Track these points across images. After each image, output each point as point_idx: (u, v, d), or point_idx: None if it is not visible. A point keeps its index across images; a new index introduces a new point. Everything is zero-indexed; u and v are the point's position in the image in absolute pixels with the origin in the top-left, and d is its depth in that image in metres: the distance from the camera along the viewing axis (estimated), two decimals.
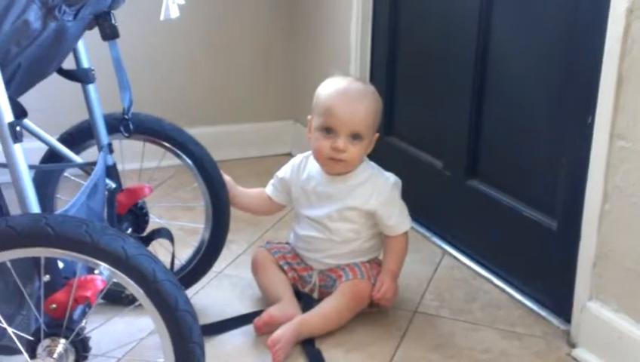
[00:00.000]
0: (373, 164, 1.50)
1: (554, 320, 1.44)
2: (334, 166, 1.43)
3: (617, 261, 1.24)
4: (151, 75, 2.15)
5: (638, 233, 1.20)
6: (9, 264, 0.96)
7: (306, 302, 1.44)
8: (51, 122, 1.38)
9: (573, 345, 1.35)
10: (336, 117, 1.39)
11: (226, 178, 1.46)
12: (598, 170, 1.25)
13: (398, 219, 1.45)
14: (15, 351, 0.99)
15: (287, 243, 1.54)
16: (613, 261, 1.25)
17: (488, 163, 1.65)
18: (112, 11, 1.17)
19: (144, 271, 0.95)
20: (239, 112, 2.36)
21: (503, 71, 1.58)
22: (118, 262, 0.95)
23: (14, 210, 1.06)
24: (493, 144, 1.63)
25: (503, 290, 1.56)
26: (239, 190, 1.51)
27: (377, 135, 1.47)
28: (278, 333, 1.29)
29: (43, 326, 0.97)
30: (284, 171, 1.51)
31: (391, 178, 1.48)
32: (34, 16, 0.96)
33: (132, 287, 0.96)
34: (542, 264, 1.49)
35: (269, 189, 1.53)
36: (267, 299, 1.46)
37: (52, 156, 1.32)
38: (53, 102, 1.68)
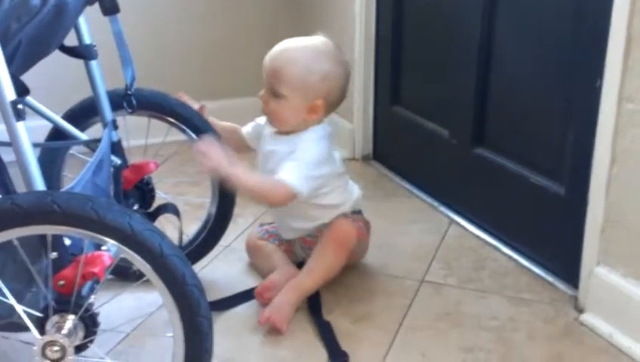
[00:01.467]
0: (322, 130, 1.41)
1: (561, 286, 1.43)
2: (268, 120, 1.42)
3: (625, 225, 1.23)
4: (151, 50, 2.13)
5: None
6: (16, 242, 0.95)
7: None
8: (55, 100, 1.38)
9: (581, 311, 1.34)
10: (263, 68, 1.39)
11: (196, 107, 1.42)
12: (606, 133, 1.23)
13: (288, 164, 1.33)
14: (24, 328, 0.99)
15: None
16: (622, 225, 1.24)
17: (494, 130, 1.63)
18: None
19: (151, 246, 0.95)
20: (240, 86, 2.34)
21: (509, 37, 1.55)
22: (125, 237, 0.94)
23: (20, 189, 1.06)
24: (499, 111, 1.61)
25: (511, 258, 1.56)
26: (211, 119, 1.47)
27: (319, 103, 1.37)
28: (267, 308, 1.29)
29: (52, 303, 0.97)
30: (263, 119, 1.49)
31: (319, 144, 1.38)
32: None
33: (139, 263, 0.96)
34: (549, 230, 1.48)
35: (245, 129, 1.52)
36: (266, 275, 1.44)
37: (57, 134, 1.32)
38: (57, 80, 1.67)
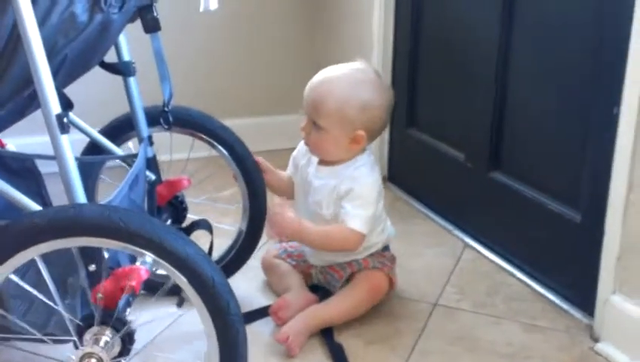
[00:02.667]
0: (367, 160, 1.40)
1: (577, 313, 1.42)
2: (310, 150, 1.42)
3: None
4: (175, 68, 2.16)
5: None
6: (75, 251, 0.96)
7: (323, 295, 1.42)
8: (90, 114, 1.40)
9: (596, 339, 1.33)
10: (304, 99, 1.39)
11: (259, 159, 1.45)
12: (623, 160, 1.22)
13: (353, 209, 1.33)
14: (59, 340, 1.01)
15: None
16: (638, 253, 1.23)
17: (511, 155, 1.63)
18: (155, 4, 1.18)
19: (203, 273, 0.97)
20: (263, 105, 2.37)
21: (525, 61, 1.56)
22: (181, 262, 0.96)
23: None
24: (516, 136, 1.61)
25: (526, 283, 1.55)
26: (271, 169, 1.48)
27: (361, 133, 1.34)
28: (286, 327, 1.30)
29: (96, 315, 0.98)
30: (296, 150, 1.50)
31: (372, 176, 1.38)
32: (81, 8, 0.96)
33: (185, 286, 0.98)
34: (565, 257, 1.47)
35: (288, 171, 1.51)
36: (280, 294, 1.45)
37: (93, 148, 1.34)
38: (93, 95, 1.70)
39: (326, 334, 1.34)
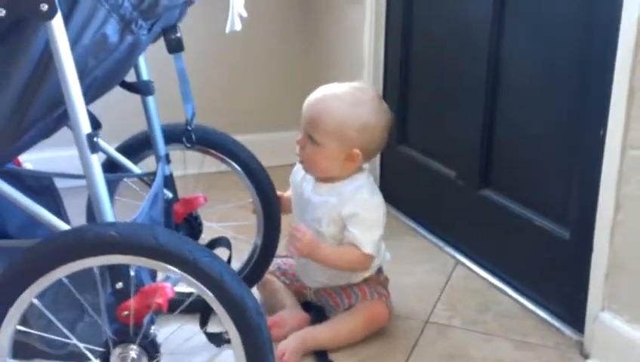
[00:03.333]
0: (367, 181, 1.41)
1: (567, 330, 1.43)
2: (303, 165, 1.43)
3: (630, 271, 1.24)
4: (170, 87, 2.17)
5: None
6: (96, 270, 0.98)
7: (315, 313, 1.43)
8: (108, 132, 1.41)
9: (586, 356, 1.34)
10: (302, 114, 1.40)
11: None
12: (610, 180, 1.25)
13: (361, 234, 1.35)
14: (84, 358, 1.01)
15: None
16: (626, 271, 1.25)
17: (501, 172, 1.65)
18: (178, 24, 1.19)
19: (237, 300, 0.98)
20: (255, 122, 2.38)
21: (515, 81, 1.58)
22: (216, 286, 0.97)
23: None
24: (506, 154, 1.63)
25: (516, 300, 1.56)
26: (279, 193, 1.49)
27: (356, 152, 1.36)
28: (283, 344, 1.30)
29: (110, 335, 0.99)
30: (295, 167, 1.51)
31: (375, 199, 1.40)
32: (112, 30, 0.97)
33: (218, 308, 0.99)
34: (555, 274, 1.48)
35: (289, 192, 1.52)
36: (271, 311, 1.45)
37: (111, 165, 1.35)
38: (110, 113, 1.72)
39: (319, 354, 1.35)
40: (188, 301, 1.07)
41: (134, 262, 0.97)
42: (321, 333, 1.36)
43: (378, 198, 1.41)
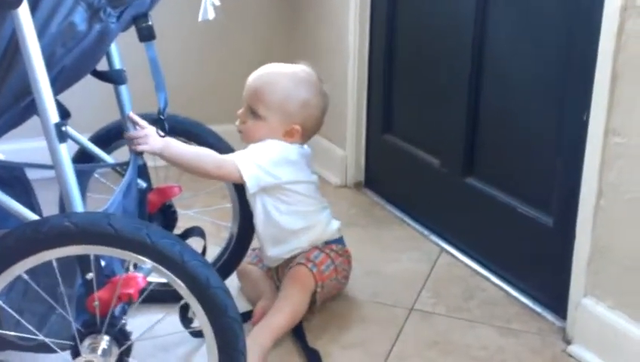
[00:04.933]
0: (291, 145, 1.42)
1: (550, 316, 1.44)
2: (241, 135, 1.45)
3: (612, 257, 1.25)
4: (144, 76, 2.15)
5: (633, 229, 1.20)
6: (55, 263, 0.96)
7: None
8: (80, 122, 1.39)
9: (568, 342, 1.35)
10: (245, 87, 1.44)
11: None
12: (592, 166, 1.25)
13: (239, 151, 1.37)
14: (54, 349, 1.01)
15: None
16: (609, 257, 1.25)
17: (485, 160, 1.65)
18: (149, 13, 1.18)
19: (201, 278, 0.98)
20: (232, 112, 2.36)
21: (498, 68, 1.58)
22: (175, 265, 0.97)
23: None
24: (490, 142, 1.63)
25: (500, 287, 1.57)
26: None
27: (297, 127, 1.41)
28: (261, 309, 1.33)
29: (77, 326, 0.99)
30: None
31: (285, 146, 1.41)
32: (79, 18, 0.96)
33: (180, 288, 0.99)
34: (538, 261, 1.49)
35: None
36: (252, 301, 1.45)
37: (83, 156, 1.34)
38: (83, 103, 1.70)
39: (300, 340, 1.34)
40: (149, 288, 1.05)
41: (91, 251, 0.96)
42: (270, 319, 1.32)
43: (281, 149, 1.40)
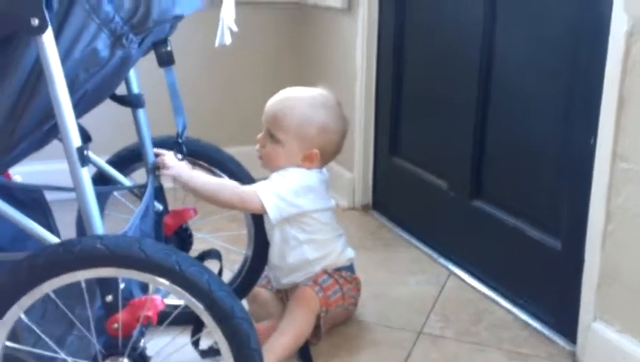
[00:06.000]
0: (310, 171, 1.42)
1: (559, 340, 1.43)
2: (261, 160, 1.46)
3: (621, 282, 1.24)
4: (160, 100, 2.17)
5: None
6: (83, 284, 0.98)
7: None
8: (98, 144, 1.41)
9: None
10: (264, 112, 1.45)
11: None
12: (600, 191, 1.25)
13: (261, 182, 1.37)
14: None
15: None
16: (618, 281, 1.25)
17: (492, 183, 1.66)
18: (169, 38, 1.20)
19: (222, 302, 0.99)
20: (244, 135, 2.37)
21: (506, 92, 1.59)
22: (201, 293, 0.97)
23: None
24: (497, 165, 1.64)
25: (509, 311, 1.56)
26: None
27: (315, 152, 1.41)
28: (261, 327, 1.31)
29: (99, 348, 0.99)
30: None
31: (305, 173, 1.40)
32: (102, 44, 0.98)
33: (206, 317, 0.99)
34: (547, 284, 1.48)
35: None
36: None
37: (101, 178, 1.35)
38: (100, 126, 1.74)
39: (305, 360, 1.34)
40: (175, 312, 1.07)
41: (122, 275, 0.97)
42: (274, 342, 1.32)
43: (302, 178, 1.40)
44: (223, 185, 1.36)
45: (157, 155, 1.32)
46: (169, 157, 1.30)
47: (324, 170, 1.48)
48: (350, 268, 1.49)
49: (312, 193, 1.41)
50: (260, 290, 1.51)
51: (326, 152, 1.44)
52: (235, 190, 1.35)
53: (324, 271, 1.44)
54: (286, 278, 1.45)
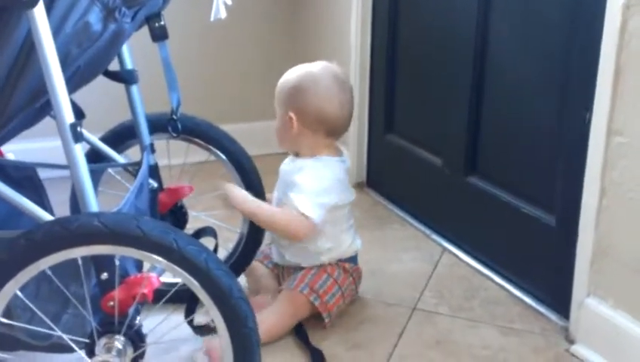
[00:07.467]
0: (328, 162, 1.42)
1: (553, 316, 1.44)
2: None
3: (615, 257, 1.25)
4: (154, 76, 2.16)
5: (636, 229, 1.20)
6: (80, 261, 0.97)
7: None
8: (91, 121, 1.40)
9: (571, 341, 1.35)
10: None
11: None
12: (595, 166, 1.25)
13: (297, 196, 1.35)
14: (67, 349, 1.01)
15: None
16: (611, 257, 1.25)
17: (487, 160, 1.65)
18: (162, 12, 1.18)
19: (221, 287, 0.98)
20: (238, 112, 2.37)
21: (501, 68, 1.58)
22: (199, 272, 0.97)
23: None
24: (492, 141, 1.63)
25: (502, 287, 1.57)
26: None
27: (290, 115, 1.39)
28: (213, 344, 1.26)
29: (95, 325, 0.99)
30: None
31: (320, 172, 1.39)
32: (95, 18, 0.96)
33: (203, 296, 0.99)
34: (541, 260, 1.49)
35: None
36: (253, 295, 1.47)
37: (94, 155, 1.34)
38: (93, 102, 1.73)
39: (304, 341, 1.35)
40: (173, 290, 1.07)
41: (119, 252, 0.96)
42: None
43: (324, 174, 1.40)
44: (273, 213, 1.37)
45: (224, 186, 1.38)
46: (234, 188, 1.36)
47: (345, 156, 1.46)
48: (354, 258, 1.48)
49: (340, 184, 1.41)
50: (256, 265, 1.51)
51: (303, 114, 1.38)
52: (282, 216, 1.36)
53: (324, 270, 1.42)
54: (292, 258, 1.45)
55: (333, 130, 1.42)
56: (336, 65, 1.44)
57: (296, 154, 1.46)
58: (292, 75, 1.42)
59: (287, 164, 1.46)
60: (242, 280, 1.54)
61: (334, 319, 1.41)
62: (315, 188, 1.37)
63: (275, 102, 1.43)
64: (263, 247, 1.53)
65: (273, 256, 1.50)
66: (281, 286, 1.45)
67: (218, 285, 0.98)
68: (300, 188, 1.36)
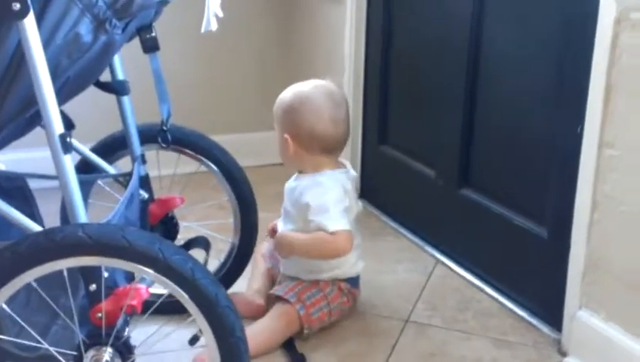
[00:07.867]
0: (330, 175, 1.42)
1: (545, 328, 1.44)
2: None
3: (607, 270, 1.25)
4: (145, 86, 2.16)
5: (628, 242, 1.21)
6: (65, 273, 0.96)
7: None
8: (82, 132, 1.40)
9: (564, 354, 1.35)
10: None
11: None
12: (587, 178, 1.25)
13: (321, 217, 1.35)
14: (57, 360, 1.00)
15: None
16: (603, 270, 1.25)
17: (480, 172, 1.66)
18: (153, 24, 1.19)
19: (206, 291, 0.98)
20: (233, 123, 2.37)
21: (494, 81, 1.59)
22: (185, 282, 0.96)
23: None
24: (485, 153, 1.64)
25: (495, 299, 1.57)
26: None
27: (285, 136, 1.40)
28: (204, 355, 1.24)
29: (83, 337, 0.98)
30: None
31: (324, 189, 1.39)
32: (85, 29, 0.97)
33: (190, 306, 0.99)
34: (533, 272, 1.49)
35: None
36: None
37: (85, 166, 1.34)
38: (84, 113, 1.73)
39: (289, 348, 1.35)
40: (159, 301, 1.06)
41: (105, 263, 0.96)
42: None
43: (329, 183, 1.39)
44: (315, 241, 1.37)
45: (274, 231, 1.46)
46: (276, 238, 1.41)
47: (350, 168, 1.47)
48: (354, 280, 1.47)
49: (348, 194, 1.41)
50: (259, 259, 1.52)
51: (299, 137, 1.39)
52: (320, 240, 1.36)
53: (315, 283, 1.42)
54: (291, 270, 1.45)
55: (328, 148, 1.42)
56: (330, 82, 1.45)
57: (300, 172, 1.46)
58: (285, 95, 1.43)
59: (292, 182, 1.46)
60: (242, 280, 1.54)
61: (316, 332, 1.40)
62: (328, 201, 1.37)
63: (274, 123, 1.44)
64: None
65: (280, 265, 1.50)
66: (272, 290, 1.45)
67: (204, 294, 0.97)
68: (317, 209, 1.36)
